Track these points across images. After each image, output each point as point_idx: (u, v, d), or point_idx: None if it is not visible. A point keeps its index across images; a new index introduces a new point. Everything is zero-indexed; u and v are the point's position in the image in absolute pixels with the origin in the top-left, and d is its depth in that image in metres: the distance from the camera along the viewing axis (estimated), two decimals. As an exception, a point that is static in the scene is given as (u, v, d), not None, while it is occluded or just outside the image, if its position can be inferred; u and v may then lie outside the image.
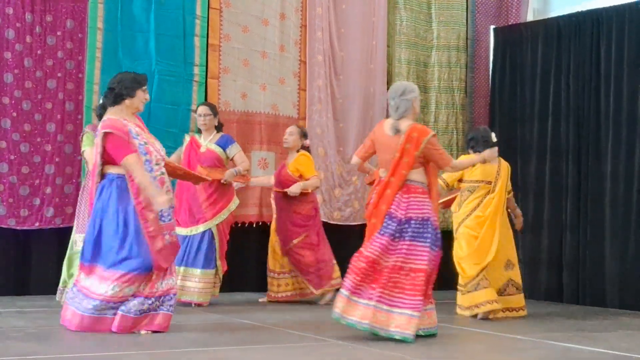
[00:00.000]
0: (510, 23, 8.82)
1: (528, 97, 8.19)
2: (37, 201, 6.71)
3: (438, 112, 8.60)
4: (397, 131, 4.92)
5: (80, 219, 5.90)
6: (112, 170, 4.85)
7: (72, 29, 6.89)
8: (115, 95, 4.91)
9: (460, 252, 6.12)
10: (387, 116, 5.71)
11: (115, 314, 4.73)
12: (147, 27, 7.10)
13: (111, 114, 4.90)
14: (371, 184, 5.22)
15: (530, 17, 8.92)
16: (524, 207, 7.42)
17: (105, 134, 4.80)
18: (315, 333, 4.91)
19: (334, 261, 6.85)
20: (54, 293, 6.74)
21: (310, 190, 6.76)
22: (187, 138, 6.56)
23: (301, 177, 6.73)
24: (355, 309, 4.69)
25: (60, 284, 6.02)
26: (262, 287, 7.51)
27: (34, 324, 5.00)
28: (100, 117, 5.12)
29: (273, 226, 6.96)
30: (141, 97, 4.98)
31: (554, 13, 8.57)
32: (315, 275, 6.72)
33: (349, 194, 8.07)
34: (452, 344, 4.72)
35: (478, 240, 6.06)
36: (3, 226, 6.60)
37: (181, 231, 6.14)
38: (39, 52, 6.75)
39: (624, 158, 7.24)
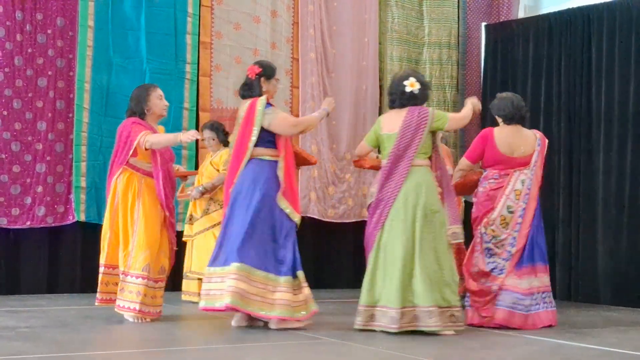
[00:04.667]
0: (501, 20, 8.83)
1: (519, 94, 8.15)
2: (29, 200, 6.69)
3: (430, 109, 8.61)
4: None
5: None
6: None
7: (63, 27, 6.86)
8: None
9: None
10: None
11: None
12: (138, 25, 7.08)
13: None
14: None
15: (521, 14, 8.94)
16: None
17: None
18: (309, 331, 4.91)
19: None
20: (45, 292, 6.75)
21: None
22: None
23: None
24: None
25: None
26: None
27: (25, 324, 4.98)
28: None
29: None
30: None
31: (545, 10, 8.59)
32: None
33: (342, 191, 8.07)
34: (445, 341, 4.73)
35: None
36: (-6, 225, 6.58)
37: None
38: (29, 50, 6.72)
39: (615, 154, 7.25)
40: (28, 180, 6.70)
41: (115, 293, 5.16)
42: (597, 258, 7.31)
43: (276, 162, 5.06)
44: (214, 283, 4.93)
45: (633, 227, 7.10)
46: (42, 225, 6.73)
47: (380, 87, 8.41)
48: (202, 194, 6.45)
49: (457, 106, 8.73)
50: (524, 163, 5.42)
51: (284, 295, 4.88)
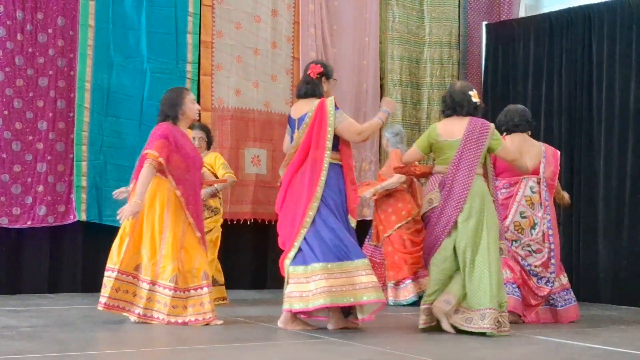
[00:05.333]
0: (502, 19, 8.84)
1: (520, 93, 8.21)
2: (29, 199, 6.69)
3: (430, 108, 8.62)
4: None
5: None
6: None
7: (63, 27, 6.86)
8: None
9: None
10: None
11: None
12: (138, 24, 7.09)
13: None
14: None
15: (522, 13, 8.95)
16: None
17: None
18: (309, 330, 4.91)
19: None
20: (46, 292, 6.75)
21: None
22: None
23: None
24: None
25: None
26: (256, 284, 7.52)
27: (26, 323, 4.99)
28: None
29: None
30: None
31: (545, 9, 8.60)
32: None
33: (342, 190, 8.06)
34: (445, 340, 4.73)
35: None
36: (-5, 225, 6.58)
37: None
38: (30, 49, 6.72)
39: (616, 154, 7.26)
40: (29, 179, 6.70)
41: (125, 301, 5.00)
42: (597, 257, 7.32)
43: (340, 165, 5.03)
44: (337, 279, 4.77)
45: (633, 226, 7.10)
46: (43, 225, 6.74)
47: (381, 86, 8.42)
48: (213, 195, 6.26)
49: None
50: (533, 172, 5.75)
51: None
